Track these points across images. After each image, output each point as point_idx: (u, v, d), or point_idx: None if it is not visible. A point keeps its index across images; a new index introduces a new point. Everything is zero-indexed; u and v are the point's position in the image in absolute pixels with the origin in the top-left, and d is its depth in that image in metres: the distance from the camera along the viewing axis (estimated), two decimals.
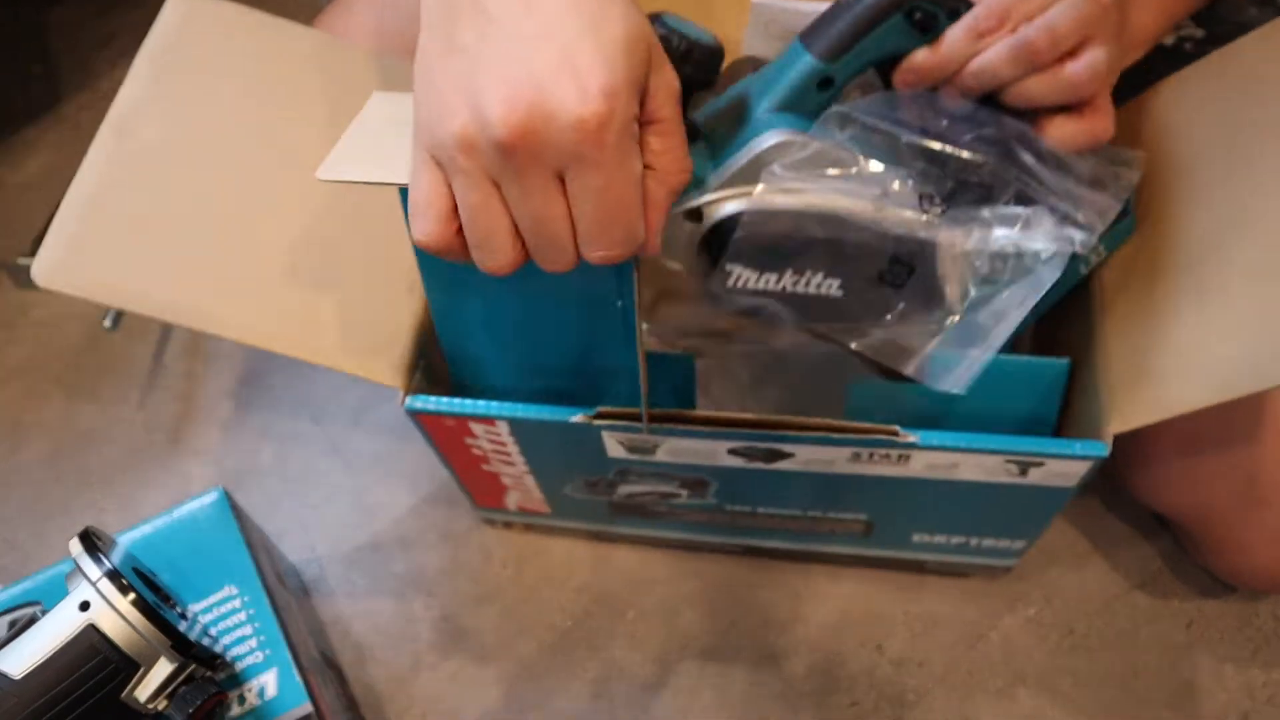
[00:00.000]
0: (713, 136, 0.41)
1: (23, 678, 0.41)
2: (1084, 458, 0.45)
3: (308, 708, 0.48)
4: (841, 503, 0.54)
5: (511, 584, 0.64)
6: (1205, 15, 0.55)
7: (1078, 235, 0.41)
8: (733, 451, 0.48)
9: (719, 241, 0.39)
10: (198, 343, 0.73)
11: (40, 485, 0.67)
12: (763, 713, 0.61)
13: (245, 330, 0.45)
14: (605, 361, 0.53)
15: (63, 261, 0.43)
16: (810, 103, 0.40)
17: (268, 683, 0.49)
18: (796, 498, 0.54)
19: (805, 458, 0.48)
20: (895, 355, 0.42)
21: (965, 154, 0.40)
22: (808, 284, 0.41)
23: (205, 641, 0.48)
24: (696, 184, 0.39)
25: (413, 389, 0.48)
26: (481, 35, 0.31)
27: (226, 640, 0.49)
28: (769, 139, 0.39)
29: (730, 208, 0.39)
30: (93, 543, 0.43)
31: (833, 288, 0.41)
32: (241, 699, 0.48)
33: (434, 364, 0.51)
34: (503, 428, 0.49)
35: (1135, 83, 0.50)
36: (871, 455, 0.47)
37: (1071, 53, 0.38)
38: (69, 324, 0.74)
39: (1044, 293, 0.41)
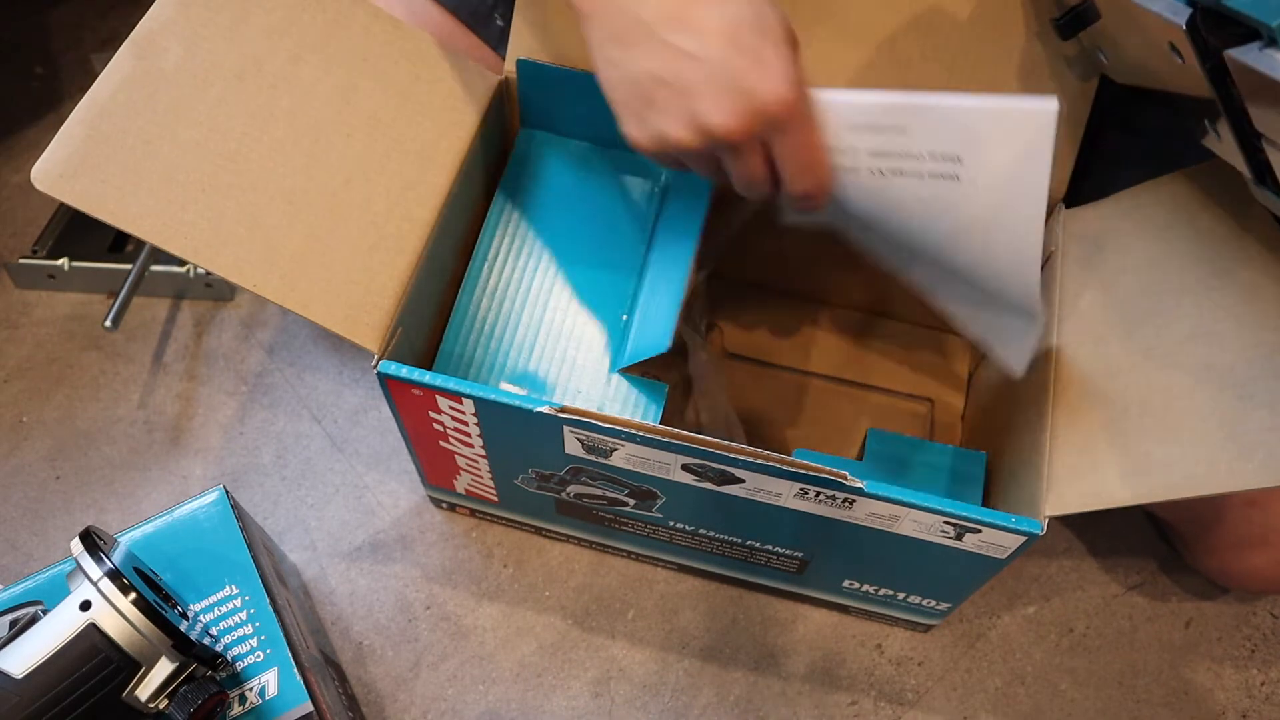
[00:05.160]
0: None
1: (24, 677, 0.41)
2: (1018, 531, 0.46)
3: (308, 707, 0.48)
4: (781, 538, 0.55)
5: (511, 584, 0.64)
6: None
7: None
8: (686, 468, 0.49)
9: None
10: (198, 343, 0.73)
11: (40, 485, 0.67)
12: (762, 713, 0.61)
13: (233, 269, 0.45)
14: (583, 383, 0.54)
15: (64, 171, 0.43)
16: None
17: (268, 682, 0.49)
18: (739, 525, 0.55)
19: (754, 486, 0.49)
20: None
21: None
22: None
23: (206, 641, 0.48)
24: None
25: (388, 354, 0.48)
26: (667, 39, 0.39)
27: (227, 640, 0.49)
28: None
29: None
30: (94, 542, 0.43)
31: None
32: (242, 698, 0.48)
33: (408, 330, 0.51)
34: (468, 406, 0.49)
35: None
36: (818, 495, 0.48)
37: None
38: (69, 324, 0.74)
39: None
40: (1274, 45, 0.35)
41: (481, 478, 0.58)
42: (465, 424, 0.51)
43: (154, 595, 0.44)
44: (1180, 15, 0.39)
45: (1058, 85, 0.54)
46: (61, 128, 0.44)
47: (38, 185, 0.43)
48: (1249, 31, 0.35)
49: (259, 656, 0.49)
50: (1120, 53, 0.49)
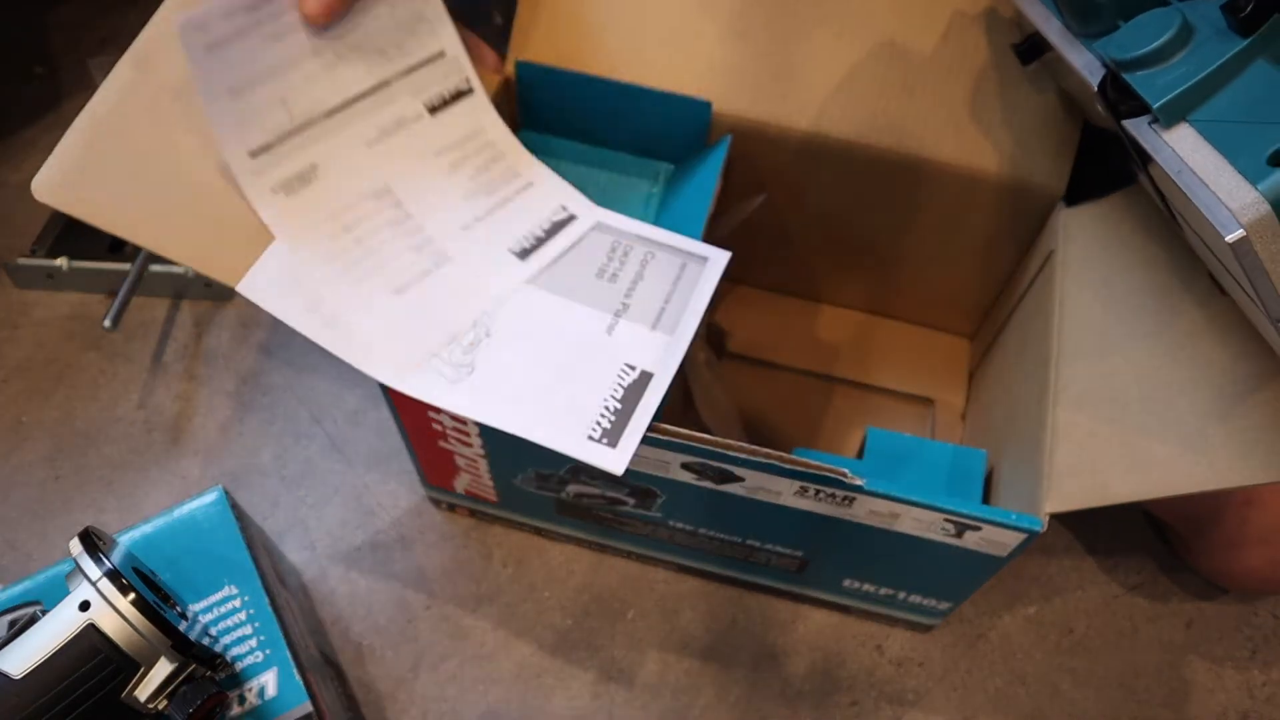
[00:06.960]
0: None
1: (23, 677, 0.41)
2: (1018, 529, 0.46)
3: (308, 707, 0.48)
4: (781, 536, 0.55)
5: (511, 584, 0.64)
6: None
7: None
8: (685, 466, 0.49)
9: None
10: (197, 343, 0.73)
11: (40, 485, 0.67)
12: (763, 713, 0.61)
13: (233, 273, 0.45)
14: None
15: (63, 181, 0.43)
16: None
17: (268, 682, 0.49)
18: (739, 524, 0.55)
19: (754, 484, 0.49)
20: None
21: None
22: None
23: (205, 641, 0.48)
24: None
25: None
26: None
27: (226, 640, 0.49)
28: None
29: None
30: (93, 542, 0.43)
31: None
32: (241, 699, 0.48)
33: None
34: None
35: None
36: (818, 493, 0.48)
37: None
38: (69, 324, 0.74)
39: None
40: (1158, 124, 0.35)
41: (481, 478, 0.58)
42: (464, 423, 0.51)
43: (153, 595, 0.44)
44: (1095, 75, 0.39)
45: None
46: (61, 139, 0.43)
47: (38, 197, 0.42)
48: (1144, 104, 0.36)
49: (259, 657, 0.49)
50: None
